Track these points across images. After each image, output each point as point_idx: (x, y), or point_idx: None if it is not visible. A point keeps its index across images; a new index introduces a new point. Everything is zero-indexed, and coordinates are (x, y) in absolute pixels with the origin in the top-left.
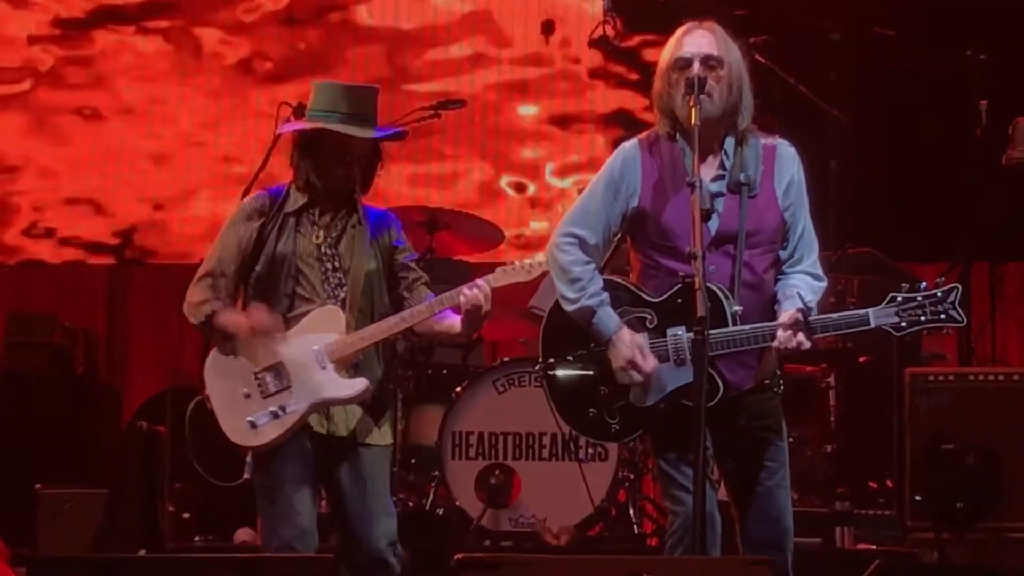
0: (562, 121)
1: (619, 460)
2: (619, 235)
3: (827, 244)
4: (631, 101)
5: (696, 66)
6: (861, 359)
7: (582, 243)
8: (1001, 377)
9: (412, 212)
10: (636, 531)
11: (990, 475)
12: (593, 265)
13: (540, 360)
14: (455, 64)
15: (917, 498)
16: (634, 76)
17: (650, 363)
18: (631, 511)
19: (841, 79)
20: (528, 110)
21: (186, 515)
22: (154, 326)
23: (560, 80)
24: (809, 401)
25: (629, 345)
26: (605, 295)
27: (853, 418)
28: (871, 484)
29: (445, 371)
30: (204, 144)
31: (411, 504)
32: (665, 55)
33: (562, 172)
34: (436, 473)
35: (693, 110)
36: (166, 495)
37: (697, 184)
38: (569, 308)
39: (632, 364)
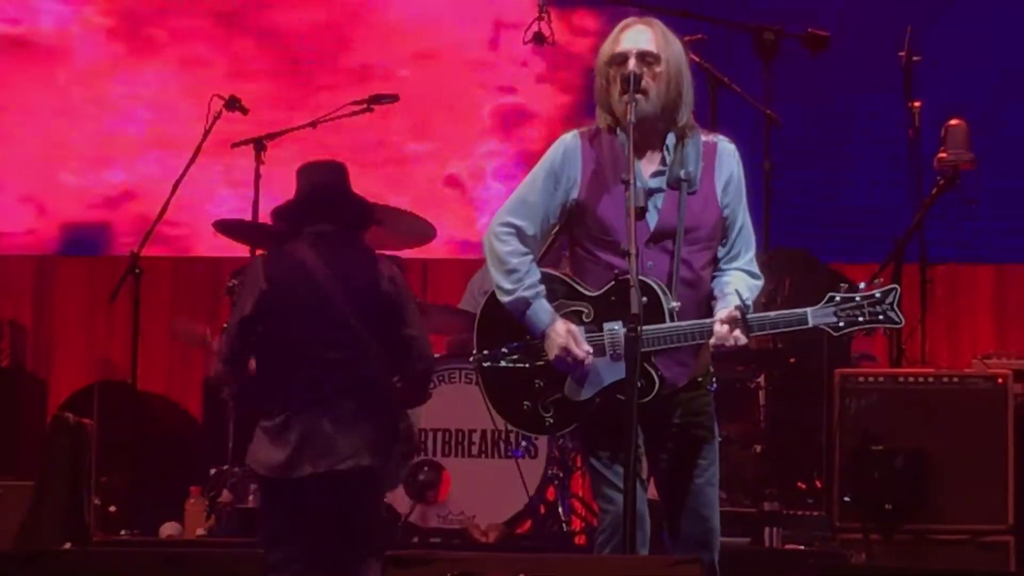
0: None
1: (548, 457)
2: (557, 227)
3: (760, 244)
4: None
5: (632, 62)
6: (791, 359)
7: (520, 233)
8: (930, 379)
9: None
10: (565, 529)
11: (919, 476)
12: (531, 256)
13: (474, 352)
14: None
15: (846, 499)
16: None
17: (584, 348)
18: (560, 509)
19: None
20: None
21: (112, 508)
22: (81, 318)
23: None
24: (738, 401)
25: (562, 334)
26: (541, 287)
27: (782, 418)
28: (800, 484)
29: None
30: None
31: None
32: (603, 51)
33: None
34: None
35: (628, 107)
36: (92, 488)
37: (632, 182)
38: (505, 299)
39: (566, 351)
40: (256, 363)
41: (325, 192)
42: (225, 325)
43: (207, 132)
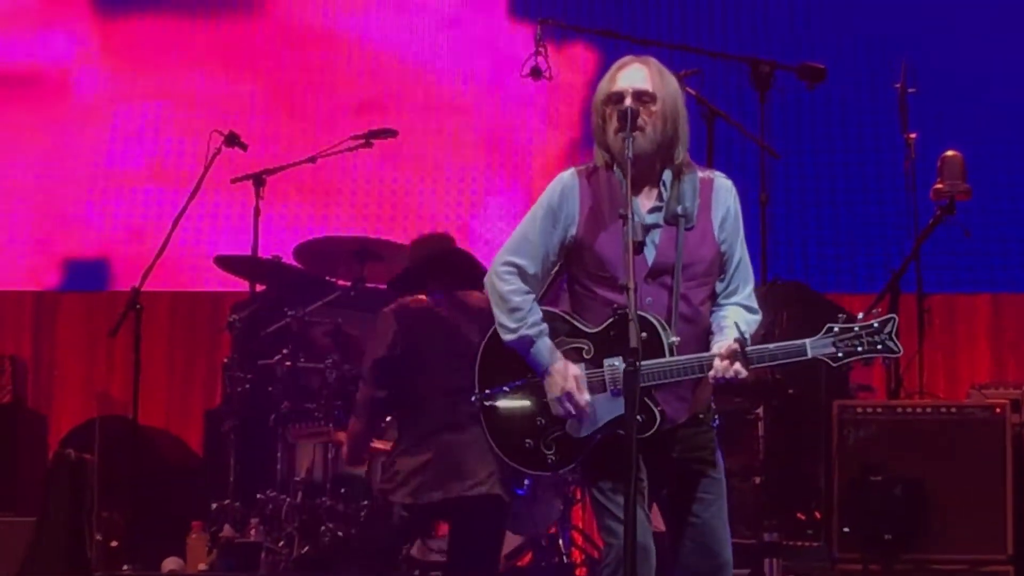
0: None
1: None
2: (557, 264)
3: (757, 276)
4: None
5: (628, 100)
6: (789, 391)
7: (521, 272)
8: (928, 409)
9: (344, 242)
10: (565, 561)
11: (917, 507)
12: (532, 295)
13: (477, 390)
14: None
15: (845, 530)
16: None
17: (585, 396)
18: (560, 541)
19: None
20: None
21: (114, 543)
22: (81, 353)
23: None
24: (737, 433)
25: (566, 376)
26: (544, 326)
27: (781, 449)
28: (799, 515)
29: None
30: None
31: (340, 534)
32: (600, 89)
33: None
34: (366, 502)
35: (624, 143)
36: (94, 523)
37: (629, 217)
38: (508, 338)
39: (568, 396)
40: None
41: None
42: (358, 374)
43: (207, 168)
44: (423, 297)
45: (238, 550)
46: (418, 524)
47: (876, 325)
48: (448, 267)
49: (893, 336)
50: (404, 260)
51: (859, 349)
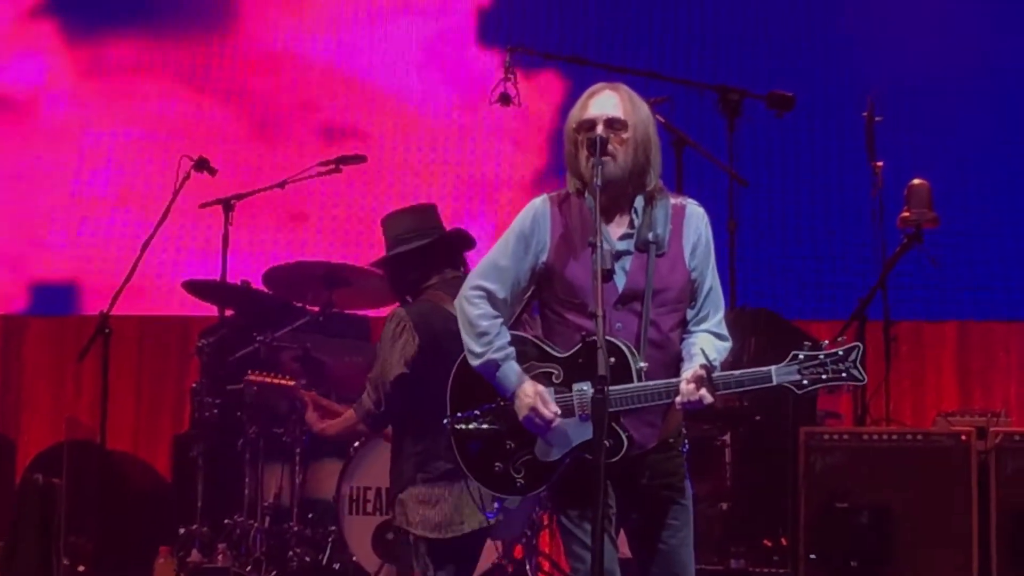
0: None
1: None
2: (529, 290)
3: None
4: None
5: (599, 128)
6: (756, 417)
7: (491, 297)
8: (895, 436)
9: (312, 267)
10: None
11: (883, 533)
12: (501, 320)
13: (448, 413)
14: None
15: (812, 556)
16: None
17: (552, 409)
18: (528, 567)
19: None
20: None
21: (81, 568)
22: (49, 377)
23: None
24: (705, 459)
25: (530, 394)
26: (511, 349)
27: (748, 476)
28: (766, 542)
29: None
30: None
31: (308, 559)
32: (571, 117)
33: None
34: (333, 528)
35: (595, 169)
36: (61, 548)
37: (599, 244)
38: (475, 362)
39: (534, 411)
40: (404, 418)
41: (442, 238)
42: (369, 377)
43: (176, 193)
44: (437, 299)
45: (206, 575)
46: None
47: (841, 353)
48: (450, 254)
49: (858, 364)
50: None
51: (824, 377)
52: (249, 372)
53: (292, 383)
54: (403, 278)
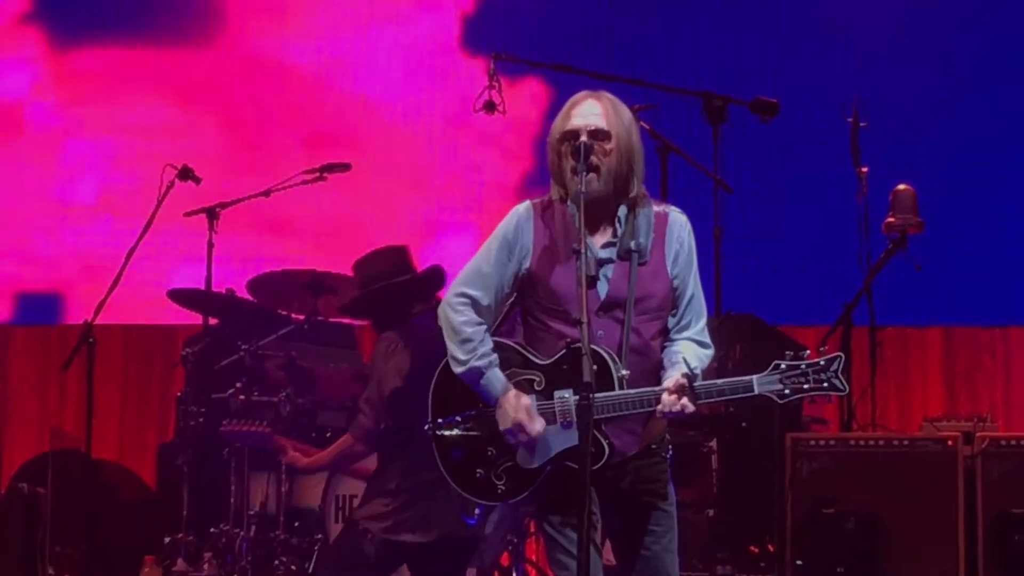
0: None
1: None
2: (511, 297)
3: (710, 309)
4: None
5: (583, 139)
6: (743, 423)
7: (474, 304)
8: (881, 442)
9: (297, 275)
10: None
11: (870, 539)
12: (484, 327)
13: (429, 420)
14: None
15: (798, 563)
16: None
17: (537, 425)
18: (514, 574)
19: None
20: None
21: None
22: (34, 386)
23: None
24: (691, 465)
25: (516, 407)
26: (495, 356)
27: (734, 482)
28: (752, 548)
29: (329, 434)
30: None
31: (294, 567)
32: (555, 127)
33: None
34: (319, 536)
35: (578, 177)
36: (46, 558)
37: (583, 252)
38: (458, 369)
39: (519, 427)
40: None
41: (423, 276)
42: (365, 399)
43: (160, 201)
44: (425, 319)
45: None
46: (386, 562)
47: (823, 363)
48: (429, 290)
49: (839, 374)
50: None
51: (805, 386)
52: (224, 422)
53: (267, 430)
54: (388, 310)
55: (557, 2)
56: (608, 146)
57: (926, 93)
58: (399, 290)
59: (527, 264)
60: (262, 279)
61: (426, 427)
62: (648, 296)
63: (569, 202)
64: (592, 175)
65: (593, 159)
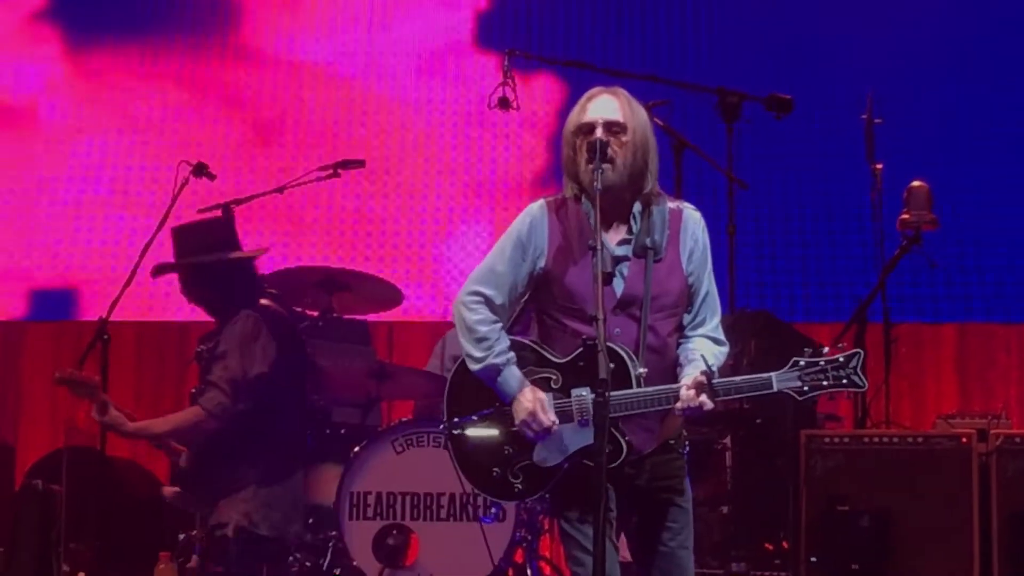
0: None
1: (517, 520)
2: (525, 295)
3: (724, 306)
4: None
5: (599, 131)
6: (757, 420)
7: (488, 302)
8: (895, 439)
9: (311, 272)
10: None
11: (884, 536)
12: (500, 324)
13: (444, 419)
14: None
15: (813, 559)
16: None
17: (549, 417)
18: (528, 572)
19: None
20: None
21: (81, 574)
22: (48, 383)
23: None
24: (705, 462)
25: (531, 400)
26: (511, 354)
27: (749, 479)
28: (767, 545)
29: (343, 430)
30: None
31: (308, 564)
32: (570, 121)
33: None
34: (334, 533)
35: (594, 174)
36: (61, 555)
37: (598, 248)
38: (475, 367)
39: (532, 416)
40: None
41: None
42: (221, 374)
43: (175, 198)
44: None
45: None
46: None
47: (842, 359)
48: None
49: (859, 370)
50: (371, 289)
51: (824, 383)
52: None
53: (97, 379)
54: (243, 286)
55: None
56: (624, 139)
57: (941, 89)
58: (249, 265)
59: (542, 263)
60: (276, 276)
61: (441, 426)
62: (664, 293)
63: (584, 199)
64: (607, 165)
65: (608, 151)
